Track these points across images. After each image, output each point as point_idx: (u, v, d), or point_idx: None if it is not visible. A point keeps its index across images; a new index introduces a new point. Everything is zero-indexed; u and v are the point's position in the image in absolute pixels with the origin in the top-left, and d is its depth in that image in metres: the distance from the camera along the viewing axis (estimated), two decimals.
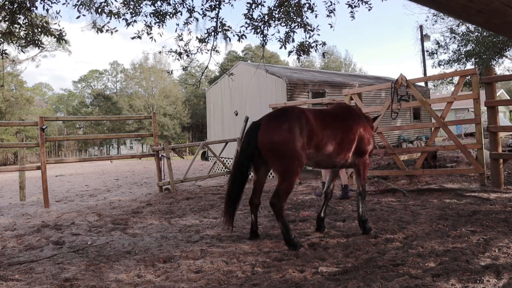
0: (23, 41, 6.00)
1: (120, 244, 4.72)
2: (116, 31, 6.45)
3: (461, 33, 20.39)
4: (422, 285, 2.91)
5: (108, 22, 6.34)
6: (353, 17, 7.03)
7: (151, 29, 6.73)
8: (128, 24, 6.47)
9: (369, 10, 7.04)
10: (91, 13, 6.07)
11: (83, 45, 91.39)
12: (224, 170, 11.47)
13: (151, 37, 6.75)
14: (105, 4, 6.12)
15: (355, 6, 6.91)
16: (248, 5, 6.70)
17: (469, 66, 20.02)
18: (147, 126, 45.38)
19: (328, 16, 6.94)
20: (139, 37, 6.69)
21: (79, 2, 5.98)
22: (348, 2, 6.88)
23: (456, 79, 18.83)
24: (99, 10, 6.03)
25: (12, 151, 36.86)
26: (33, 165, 8.92)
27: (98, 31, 6.26)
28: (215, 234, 4.96)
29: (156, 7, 6.59)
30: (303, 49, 7.03)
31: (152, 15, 6.63)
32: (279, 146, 4.06)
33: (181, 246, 4.50)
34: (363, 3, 6.88)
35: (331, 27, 6.89)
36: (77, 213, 7.05)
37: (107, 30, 6.31)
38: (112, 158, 11.43)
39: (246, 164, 4.30)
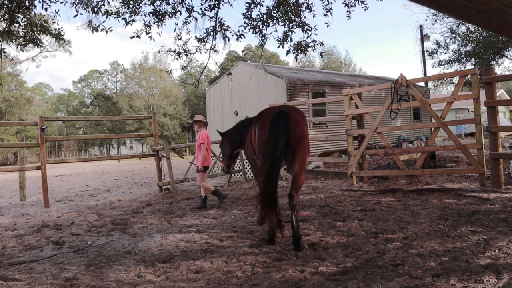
0: (22, 40, 6.01)
1: (120, 244, 4.72)
2: (111, 30, 6.45)
3: (461, 33, 20.41)
4: (422, 285, 2.91)
5: (104, 22, 6.37)
6: (349, 16, 7.04)
7: (150, 29, 6.73)
8: (127, 23, 6.47)
9: (365, 10, 7.07)
10: (88, 12, 6.07)
11: (81, 46, 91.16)
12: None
13: (150, 37, 6.75)
14: (102, 3, 6.11)
15: (351, 6, 6.92)
16: (247, 5, 6.69)
17: (469, 66, 20.03)
18: (147, 126, 45.34)
19: (325, 15, 6.95)
20: (138, 37, 6.69)
21: (77, 1, 5.98)
22: (344, 1, 6.89)
23: (456, 79, 18.85)
24: (95, 9, 6.02)
25: (12, 151, 36.85)
26: (33, 165, 8.91)
27: (93, 30, 6.26)
28: (215, 234, 4.96)
29: (155, 7, 6.59)
30: (301, 48, 7.03)
31: (151, 14, 6.63)
32: (307, 137, 4.36)
33: (181, 246, 4.51)
34: (359, 3, 6.89)
35: (328, 26, 6.91)
36: (77, 213, 7.05)
37: (102, 29, 6.32)
38: (113, 158, 11.44)
39: (282, 152, 4.03)
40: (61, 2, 6.03)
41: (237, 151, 6.21)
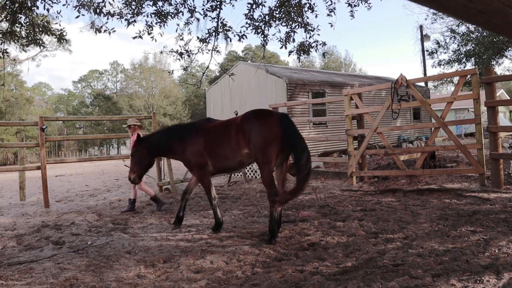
0: (24, 40, 6.01)
1: (120, 244, 4.72)
2: (114, 31, 6.44)
3: (461, 33, 20.38)
4: (422, 285, 2.91)
5: (106, 22, 6.38)
6: (352, 16, 7.04)
7: (152, 29, 6.74)
8: (128, 24, 6.47)
9: (369, 9, 7.07)
10: (90, 13, 6.07)
11: (81, 46, 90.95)
12: None
13: (151, 37, 6.76)
14: (103, 4, 6.12)
15: (355, 5, 6.92)
16: (249, 6, 6.70)
17: (469, 66, 20.01)
18: (147, 126, 45.29)
19: (328, 15, 6.94)
20: (140, 37, 6.70)
21: (79, 3, 5.99)
22: (348, 1, 6.88)
23: (456, 79, 18.84)
24: (98, 10, 6.03)
25: (12, 151, 36.80)
26: (33, 165, 8.91)
27: (97, 31, 6.26)
28: (215, 234, 4.96)
29: (158, 7, 6.59)
30: (303, 49, 7.04)
31: (153, 15, 6.64)
32: None
33: (181, 246, 4.51)
34: (363, 2, 6.89)
35: (331, 26, 6.90)
36: (77, 213, 7.05)
37: (105, 30, 6.32)
38: (113, 158, 11.44)
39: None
40: (63, 4, 6.04)
41: (153, 160, 5.73)
